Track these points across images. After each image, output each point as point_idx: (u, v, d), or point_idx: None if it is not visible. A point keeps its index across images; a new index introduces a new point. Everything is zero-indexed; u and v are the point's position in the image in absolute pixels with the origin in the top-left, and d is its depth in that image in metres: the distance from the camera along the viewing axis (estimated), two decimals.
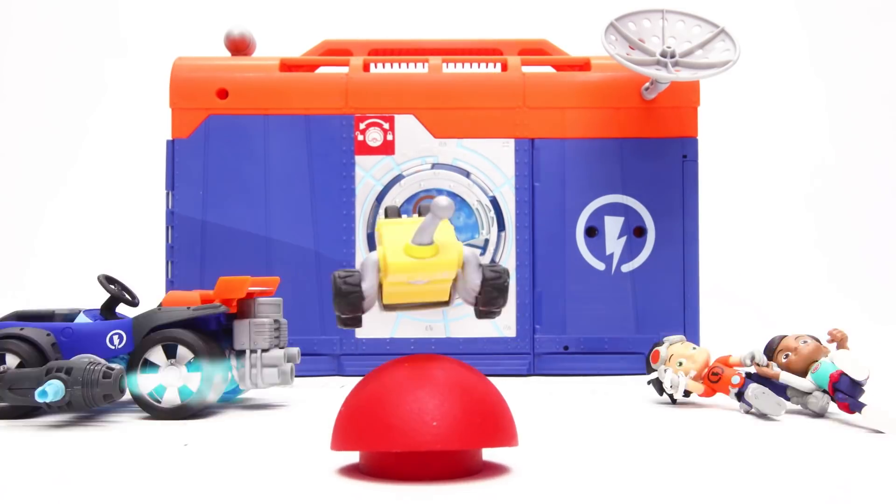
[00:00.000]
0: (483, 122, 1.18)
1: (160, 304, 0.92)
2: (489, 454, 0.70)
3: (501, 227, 1.17)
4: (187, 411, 0.87)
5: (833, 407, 0.89)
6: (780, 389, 0.88)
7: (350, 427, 0.64)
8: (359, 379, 0.68)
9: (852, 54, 1.76)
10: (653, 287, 1.18)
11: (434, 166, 1.18)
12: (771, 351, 0.91)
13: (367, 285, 0.62)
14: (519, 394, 1.02)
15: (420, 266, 0.61)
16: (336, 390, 1.03)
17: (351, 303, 0.61)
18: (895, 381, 1.11)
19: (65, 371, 0.82)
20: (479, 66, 1.23)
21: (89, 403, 0.82)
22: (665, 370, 0.93)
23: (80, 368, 0.82)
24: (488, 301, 0.62)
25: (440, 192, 1.17)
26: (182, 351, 0.87)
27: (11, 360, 0.87)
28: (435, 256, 0.61)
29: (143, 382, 0.87)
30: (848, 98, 1.75)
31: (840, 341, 0.89)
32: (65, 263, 1.67)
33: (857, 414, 0.83)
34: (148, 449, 0.75)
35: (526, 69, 1.20)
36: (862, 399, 0.84)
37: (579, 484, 0.64)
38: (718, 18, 1.14)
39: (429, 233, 0.61)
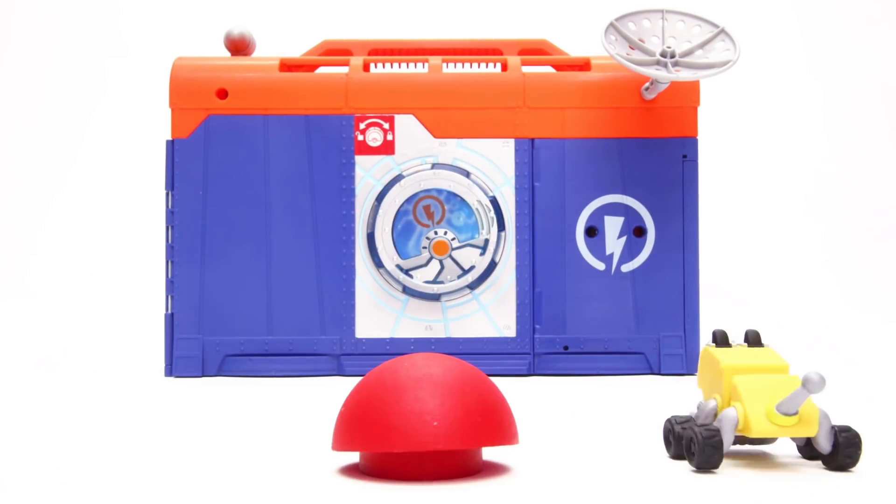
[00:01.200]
0: (483, 122, 1.18)
1: None
2: (489, 454, 0.70)
3: (501, 227, 1.17)
4: None
5: None
6: None
7: (351, 428, 0.64)
8: (359, 379, 0.68)
9: (852, 54, 1.76)
10: (653, 287, 1.18)
11: (434, 166, 1.18)
12: None
13: (727, 440, 0.66)
14: (519, 394, 1.02)
15: (781, 432, 0.65)
16: (336, 390, 1.03)
17: (712, 460, 0.65)
18: None
19: None
20: (479, 66, 1.22)
21: None
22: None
23: None
24: (844, 463, 0.66)
25: (440, 192, 1.17)
26: None
27: None
28: (796, 425, 0.65)
29: None
30: (847, 98, 1.75)
31: None
32: (65, 263, 1.67)
33: None
34: (144, 447, 0.75)
35: (526, 69, 1.20)
36: None
37: (579, 484, 0.64)
38: (718, 18, 1.14)
39: (797, 405, 0.65)
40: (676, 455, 0.70)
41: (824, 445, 0.66)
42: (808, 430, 0.66)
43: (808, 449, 0.69)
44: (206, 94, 1.18)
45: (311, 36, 1.31)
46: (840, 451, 0.66)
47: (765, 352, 0.71)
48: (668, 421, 0.71)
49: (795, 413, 0.65)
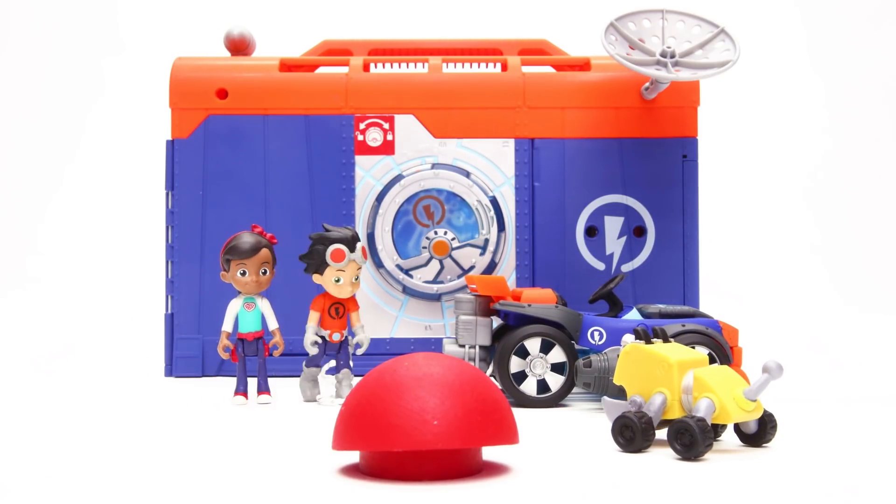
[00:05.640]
0: (483, 122, 1.18)
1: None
2: (489, 453, 0.70)
3: (501, 226, 1.17)
4: None
5: None
6: None
7: (351, 427, 0.64)
8: (358, 379, 0.68)
9: (852, 54, 1.76)
10: (653, 287, 1.18)
11: (434, 166, 1.18)
12: None
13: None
14: None
15: (749, 416, 0.73)
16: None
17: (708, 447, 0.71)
18: None
19: None
20: (479, 66, 1.23)
21: None
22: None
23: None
24: (767, 439, 0.75)
25: (440, 192, 1.17)
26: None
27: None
28: (755, 409, 0.73)
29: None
30: (848, 97, 1.75)
31: None
32: (65, 264, 1.67)
33: None
34: (144, 447, 0.75)
35: (526, 69, 1.20)
36: None
37: (580, 484, 0.64)
38: (718, 18, 1.14)
39: (761, 391, 0.72)
40: (636, 449, 0.73)
41: (753, 426, 0.74)
42: (759, 411, 0.73)
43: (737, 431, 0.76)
44: (205, 94, 1.18)
45: (311, 36, 1.31)
46: (766, 430, 0.74)
47: (681, 347, 0.77)
48: (624, 417, 0.74)
49: (756, 399, 0.73)
